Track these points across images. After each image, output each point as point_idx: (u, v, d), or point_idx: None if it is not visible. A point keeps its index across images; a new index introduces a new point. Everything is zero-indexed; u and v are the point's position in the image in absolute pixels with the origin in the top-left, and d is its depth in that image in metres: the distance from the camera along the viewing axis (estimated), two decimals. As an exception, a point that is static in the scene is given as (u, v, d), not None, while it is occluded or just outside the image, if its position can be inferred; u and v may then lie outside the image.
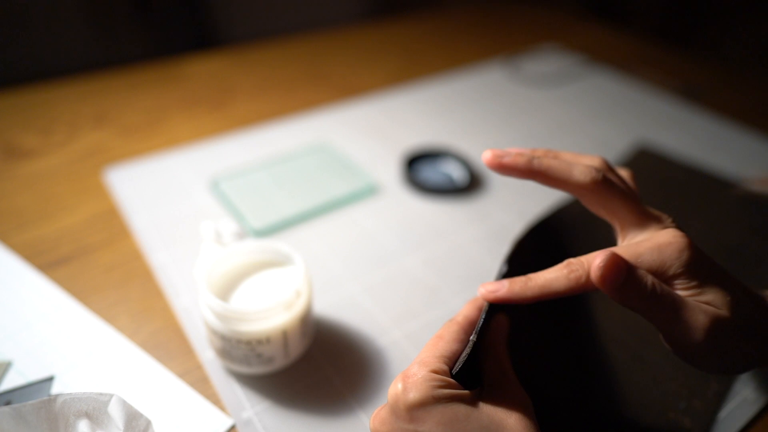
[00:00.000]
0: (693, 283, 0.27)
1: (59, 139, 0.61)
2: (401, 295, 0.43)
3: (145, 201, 0.51)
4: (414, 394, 0.25)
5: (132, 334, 0.39)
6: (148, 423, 0.29)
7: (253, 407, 0.34)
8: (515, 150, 0.32)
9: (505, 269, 0.34)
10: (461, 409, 0.26)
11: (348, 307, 0.41)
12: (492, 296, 0.29)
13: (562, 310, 0.41)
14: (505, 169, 0.31)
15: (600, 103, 0.72)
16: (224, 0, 1.18)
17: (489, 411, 0.26)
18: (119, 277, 0.43)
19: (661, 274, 0.27)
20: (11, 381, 0.35)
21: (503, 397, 0.27)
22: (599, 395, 0.35)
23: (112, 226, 0.49)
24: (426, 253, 0.47)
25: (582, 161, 0.32)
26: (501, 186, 0.55)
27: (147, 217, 0.49)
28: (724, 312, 0.27)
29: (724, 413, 0.35)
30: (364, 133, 0.63)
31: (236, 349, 0.33)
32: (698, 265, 0.27)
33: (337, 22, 1.25)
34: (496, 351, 0.30)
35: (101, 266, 0.44)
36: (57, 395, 0.28)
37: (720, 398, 0.35)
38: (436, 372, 0.26)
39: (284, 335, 0.33)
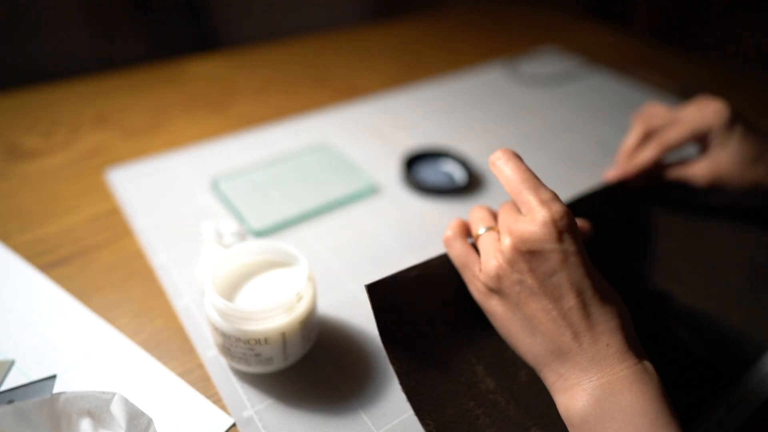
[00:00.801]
0: (729, 131, 0.44)
1: (61, 139, 0.61)
2: (401, 294, 0.43)
3: (146, 201, 0.51)
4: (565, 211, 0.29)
5: (133, 333, 0.39)
6: (150, 421, 0.29)
7: (253, 406, 0.34)
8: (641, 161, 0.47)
9: None
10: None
11: (348, 307, 0.42)
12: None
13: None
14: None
15: (599, 104, 0.72)
16: (225, 1, 1.19)
17: None
18: (121, 277, 0.44)
19: (708, 129, 0.44)
20: (13, 380, 0.35)
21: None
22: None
23: (113, 227, 0.49)
24: (426, 253, 0.47)
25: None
26: (500, 186, 0.56)
27: (148, 218, 0.49)
28: (736, 149, 0.44)
29: (724, 413, 0.35)
30: (364, 134, 0.64)
31: (235, 347, 0.33)
32: (732, 119, 0.43)
33: (337, 23, 1.25)
34: None
35: (103, 266, 0.45)
36: (59, 393, 0.28)
37: (720, 397, 0.36)
38: None
39: (283, 337, 0.33)
